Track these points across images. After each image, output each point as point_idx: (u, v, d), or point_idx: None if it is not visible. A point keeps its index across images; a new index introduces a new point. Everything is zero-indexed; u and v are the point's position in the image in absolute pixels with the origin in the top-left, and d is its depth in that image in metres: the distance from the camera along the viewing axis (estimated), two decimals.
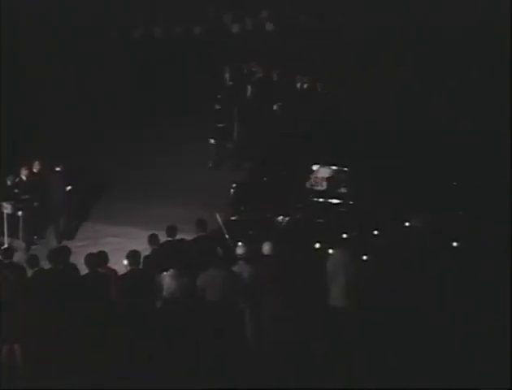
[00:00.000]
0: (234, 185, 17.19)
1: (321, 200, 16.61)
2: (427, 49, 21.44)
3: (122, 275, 11.84)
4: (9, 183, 17.37)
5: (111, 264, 12.18)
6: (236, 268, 11.96)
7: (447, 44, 21.36)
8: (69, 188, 17.66)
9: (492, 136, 16.97)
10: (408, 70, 20.72)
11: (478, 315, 11.67)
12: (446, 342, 11.38)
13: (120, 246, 15.02)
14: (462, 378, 10.64)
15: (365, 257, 12.79)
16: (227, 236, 13.64)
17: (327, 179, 16.91)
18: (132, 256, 11.78)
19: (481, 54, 20.65)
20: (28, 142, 19.19)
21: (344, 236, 13.72)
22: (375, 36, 22.26)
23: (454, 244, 13.28)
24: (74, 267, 12.06)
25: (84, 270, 11.83)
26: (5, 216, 16.99)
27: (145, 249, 12.82)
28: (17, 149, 18.66)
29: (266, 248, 12.13)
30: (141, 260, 11.98)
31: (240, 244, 12.34)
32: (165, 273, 11.85)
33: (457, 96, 19.47)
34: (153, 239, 12.92)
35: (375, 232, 14.16)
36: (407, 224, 13.83)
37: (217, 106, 20.30)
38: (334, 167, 17.00)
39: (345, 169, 17.03)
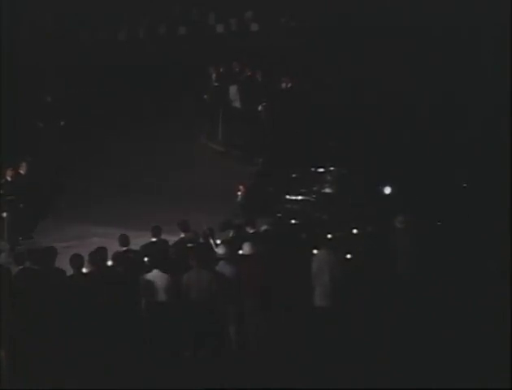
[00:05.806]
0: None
1: (305, 199, 16.68)
2: (416, 50, 21.48)
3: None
4: None
5: None
6: (217, 268, 12.01)
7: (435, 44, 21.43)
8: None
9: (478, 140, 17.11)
10: (397, 70, 20.73)
11: (476, 315, 11.79)
12: (445, 342, 11.44)
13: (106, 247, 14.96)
14: (462, 378, 10.63)
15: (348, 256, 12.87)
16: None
17: (311, 179, 16.98)
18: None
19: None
20: (13, 143, 19.11)
21: (329, 235, 13.79)
22: (363, 36, 22.32)
23: (437, 245, 13.38)
24: (59, 268, 12.04)
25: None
26: None
27: None
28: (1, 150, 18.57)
29: (246, 248, 12.19)
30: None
31: (220, 244, 12.37)
32: (148, 273, 11.88)
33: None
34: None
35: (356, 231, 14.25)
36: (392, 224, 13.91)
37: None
38: (319, 168, 17.08)
39: (331, 169, 17.09)
